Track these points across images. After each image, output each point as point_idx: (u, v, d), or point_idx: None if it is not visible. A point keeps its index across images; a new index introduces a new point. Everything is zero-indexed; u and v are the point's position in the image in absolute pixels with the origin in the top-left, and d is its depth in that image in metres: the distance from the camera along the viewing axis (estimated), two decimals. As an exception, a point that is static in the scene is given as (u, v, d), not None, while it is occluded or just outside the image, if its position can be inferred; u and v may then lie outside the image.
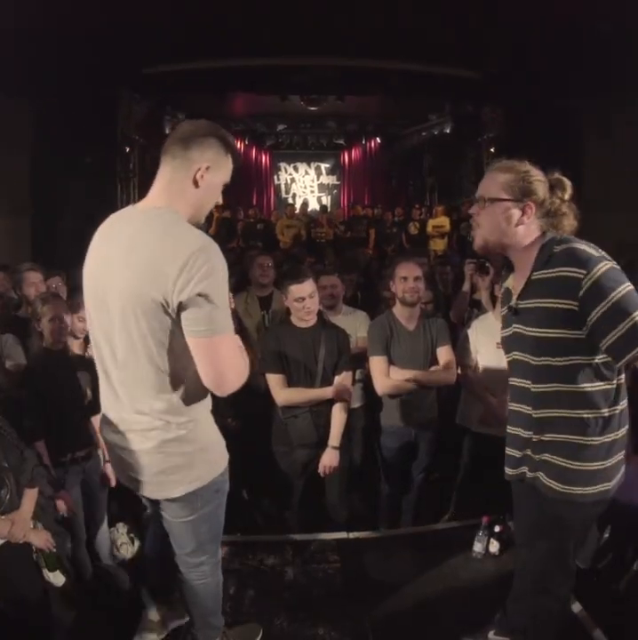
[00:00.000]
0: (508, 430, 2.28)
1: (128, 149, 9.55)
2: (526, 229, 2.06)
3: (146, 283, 1.78)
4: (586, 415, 2.00)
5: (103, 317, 1.93)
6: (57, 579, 2.59)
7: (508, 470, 2.28)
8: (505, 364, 3.61)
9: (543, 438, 2.10)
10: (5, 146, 7.87)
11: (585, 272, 1.87)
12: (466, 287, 4.66)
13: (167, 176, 1.96)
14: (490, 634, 2.56)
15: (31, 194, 8.58)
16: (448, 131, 12.41)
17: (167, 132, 11.55)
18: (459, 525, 3.54)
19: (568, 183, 2.11)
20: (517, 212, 2.04)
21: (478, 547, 3.20)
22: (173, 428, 1.97)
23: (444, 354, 3.66)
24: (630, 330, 1.84)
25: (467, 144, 11.62)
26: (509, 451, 2.28)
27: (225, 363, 1.86)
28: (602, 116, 8.13)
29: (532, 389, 2.10)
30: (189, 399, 1.97)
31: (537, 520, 2.20)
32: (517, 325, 2.12)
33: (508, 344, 2.23)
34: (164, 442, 1.97)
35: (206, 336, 1.81)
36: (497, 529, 3.19)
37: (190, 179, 1.93)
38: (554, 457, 2.07)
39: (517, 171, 2.07)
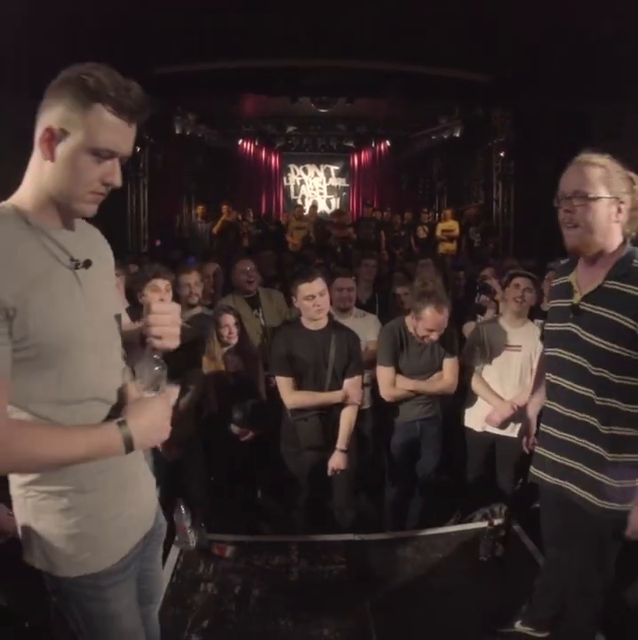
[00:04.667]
0: (543, 429, 2.26)
1: (138, 149, 9.58)
2: (618, 229, 1.98)
3: None
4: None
5: None
6: None
7: (541, 474, 2.26)
8: (511, 368, 3.68)
9: (591, 449, 2.06)
10: (14, 147, 7.90)
11: None
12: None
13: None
14: (517, 624, 2.62)
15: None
16: (458, 134, 12.38)
17: (177, 132, 11.60)
18: (465, 528, 3.53)
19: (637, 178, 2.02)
20: (615, 209, 1.94)
21: (484, 550, 3.19)
22: (13, 489, 1.48)
23: (449, 365, 3.66)
24: None
25: (477, 148, 11.62)
26: (544, 452, 2.25)
27: None
28: (613, 119, 8.10)
29: (596, 402, 2.02)
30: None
31: (572, 527, 2.19)
32: (574, 325, 2.06)
33: (555, 339, 2.18)
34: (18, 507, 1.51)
35: None
36: (502, 533, 3.17)
37: (37, 153, 1.38)
38: (600, 475, 2.03)
39: (607, 166, 1.96)
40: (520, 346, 3.69)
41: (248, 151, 15.74)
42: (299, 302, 3.33)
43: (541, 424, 2.28)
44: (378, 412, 3.98)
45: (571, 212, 1.96)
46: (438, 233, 10.93)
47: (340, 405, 3.37)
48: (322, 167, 16.73)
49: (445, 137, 12.94)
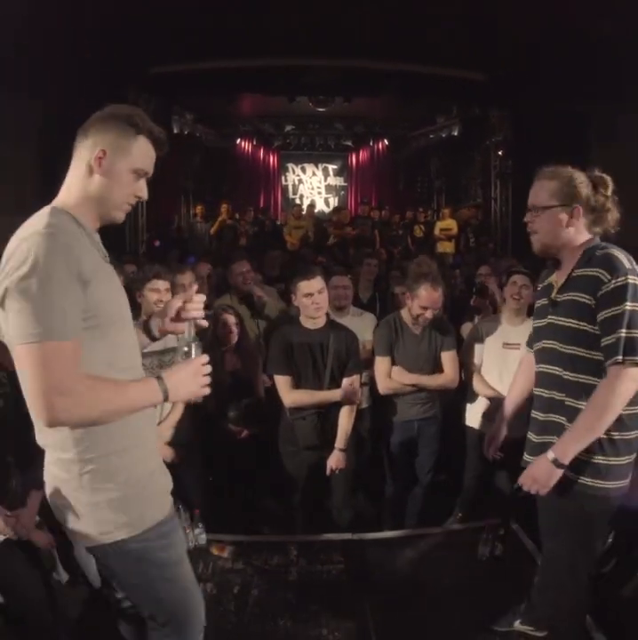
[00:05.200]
0: (532, 414, 2.39)
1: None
2: (576, 230, 2.22)
3: None
4: None
5: None
6: (60, 577, 2.60)
7: (527, 456, 2.37)
8: (509, 365, 3.68)
9: (566, 425, 2.18)
10: (12, 145, 7.90)
11: (609, 277, 2.05)
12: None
13: (69, 169, 1.74)
14: (516, 623, 2.64)
15: (37, 192, 8.60)
16: (456, 133, 12.40)
17: (175, 131, 11.58)
18: (464, 527, 3.54)
19: (609, 180, 2.26)
20: (566, 216, 2.20)
21: (483, 549, 3.19)
22: (61, 464, 1.68)
23: (449, 359, 3.68)
24: (615, 341, 2.02)
25: (475, 147, 11.62)
26: (531, 436, 2.38)
27: (46, 379, 1.46)
28: (610, 119, 8.11)
29: (563, 377, 2.21)
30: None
31: (559, 511, 2.26)
32: (552, 316, 2.26)
33: (539, 333, 2.37)
34: (55, 479, 1.71)
35: (23, 342, 1.47)
36: (501, 532, 3.18)
37: (85, 167, 1.69)
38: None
39: (562, 177, 2.23)
40: (519, 344, 3.68)
41: (246, 151, 15.70)
42: (297, 300, 3.34)
43: (531, 411, 2.41)
44: (377, 412, 3.98)
45: (531, 221, 2.30)
46: (436, 232, 10.92)
47: (338, 404, 3.37)
48: (321, 166, 16.69)
49: (443, 136, 12.95)
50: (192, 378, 1.72)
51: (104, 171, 1.68)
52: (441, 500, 4.08)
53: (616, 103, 7.90)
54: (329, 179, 16.81)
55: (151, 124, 1.74)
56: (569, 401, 2.19)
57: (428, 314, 3.56)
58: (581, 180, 2.22)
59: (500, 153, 10.34)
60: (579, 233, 2.23)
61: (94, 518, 1.66)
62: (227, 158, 15.22)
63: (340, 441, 3.37)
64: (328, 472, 3.36)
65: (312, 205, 13.27)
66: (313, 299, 3.27)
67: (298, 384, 3.35)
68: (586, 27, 6.04)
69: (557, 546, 2.34)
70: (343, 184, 16.83)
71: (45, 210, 1.63)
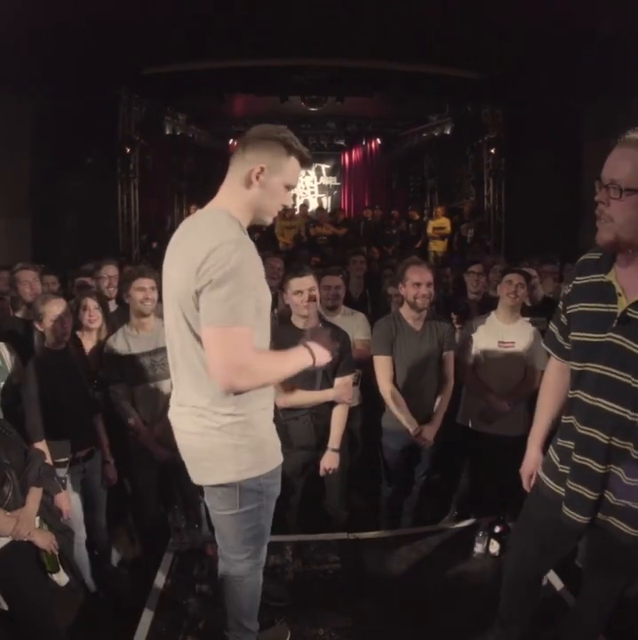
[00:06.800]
0: (577, 460, 1.89)
1: (128, 150, 9.55)
2: None
3: (184, 276, 1.91)
4: None
5: (167, 311, 2.12)
6: (60, 578, 2.59)
7: (576, 515, 1.89)
8: (505, 363, 3.68)
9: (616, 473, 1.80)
10: (6, 146, 7.88)
11: None
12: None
13: (227, 178, 2.08)
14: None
15: (31, 194, 8.59)
16: (448, 132, 12.40)
17: (168, 132, 11.57)
18: (460, 526, 3.54)
19: None
20: None
21: (479, 547, 3.20)
22: (217, 417, 2.04)
23: (448, 360, 3.68)
24: None
25: (468, 145, 11.63)
26: (576, 487, 1.90)
27: (232, 356, 1.85)
28: (602, 116, 8.13)
29: (631, 419, 1.75)
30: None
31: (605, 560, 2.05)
32: (618, 336, 1.73)
33: (590, 352, 1.83)
34: (207, 428, 2.06)
35: (216, 325, 1.85)
36: (497, 529, 3.18)
37: (243, 179, 2.02)
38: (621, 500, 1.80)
39: None
40: (513, 342, 3.70)
41: (239, 151, 15.68)
42: (288, 298, 3.33)
43: (577, 455, 1.90)
44: (368, 410, 3.98)
45: (604, 202, 1.69)
46: (429, 231, 10.93)
47: (331, 404, 3.38)
48: (313, 166, 16.71)
49: (436, 134, 12.96)
50: (324, 349, 2.13)
51: (261, 184, 2.01)
52: (436, 499, 4.09)
53: (608, 100, 7.94)
54: (322, 178, 16.83)
55: (301, 146, 2.07)
56: (636, 453, 1.75)
57: (423, 289, 3.49)
58: None
59: (493, 151, 10.34)
60: None
61: (236, 459, 2.07)
62: (220, 159, 15.18)
63: (334, 441, 3.37)
64: (322, 473, 3.37)
65: (304, 205, 13.28)
66: (303, 296, 3.25)
67: (290, 384, 3.33)
68: (578, 23, 6.05)
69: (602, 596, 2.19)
70: (336, 183, 16.86)
71: (223, 217, 1.97)
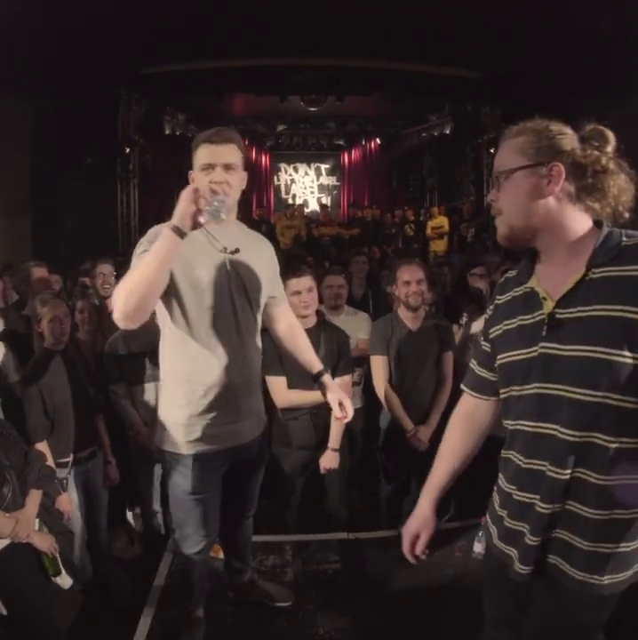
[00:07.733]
0: (517, 497, 1.64)
1: (128, 150, 9.57)
2: (561, 204, 1.45)
3: None
4: None
5: None
6: (63, 580, 2.59)
7: (521, 567, 1.59)
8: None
9: (573, 510, 1.47)
10: (5, 146, 7.88)
11: None
12: None
13: None
14: None
15: (31, 194, 8.59)
16: (448, 131, 12.43)
17: (167, 132, 11.57)
18: (459, 526, 3.54)
19: (609, 134, 1.50)
20: (542, 179, 1.44)
21: (478, 547, 3.20)
22: None
23: (446, 360, 3.67)
24: None
25: (467, 145, 11.64)
26: (515, 525, 1.65)
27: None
28: (602, 116, 8.12)
29: (569, 439, 1.43)
30: None
31: (550, 622, 1.64)
32: (548, 344, 1.46)
33: (524, 371, 1.52)
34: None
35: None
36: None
37: None
38: (576, 538, 1.48)
39: (533, 130, 1.49)
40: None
41: (238, 151, 15.67)
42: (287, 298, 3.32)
43: (517, 493, 1.65)
44: (370, 412, 3.98)
45: (495, 198, 1.56)
46: (428, 231, 10.94)
47: (331, 404, 3.37)
48: (313, 166, 16.70)
49: (435, 134, 12.99)
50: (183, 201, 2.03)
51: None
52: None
53: (606, 99, 7.94)
54: (321, 178, 16.83)
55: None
56: (599, 479, 1.41)
57: (414, 287, 3.50)
58: (562, 130, 1.49)
59: (492, 150, 10.34)
60: (571, 210, 1.46)
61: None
62: (220, 159, 15.19)
63: (333, 441, 3.36)
64: (322, 471, 3.37)
65: (303, 205, 13.28)
66: (300, 297, 3.23)
67: (290, 384, 3.33)
68: (577, 23, 6.05)
69: None
70: (335, 183, 16.86)
71: None
